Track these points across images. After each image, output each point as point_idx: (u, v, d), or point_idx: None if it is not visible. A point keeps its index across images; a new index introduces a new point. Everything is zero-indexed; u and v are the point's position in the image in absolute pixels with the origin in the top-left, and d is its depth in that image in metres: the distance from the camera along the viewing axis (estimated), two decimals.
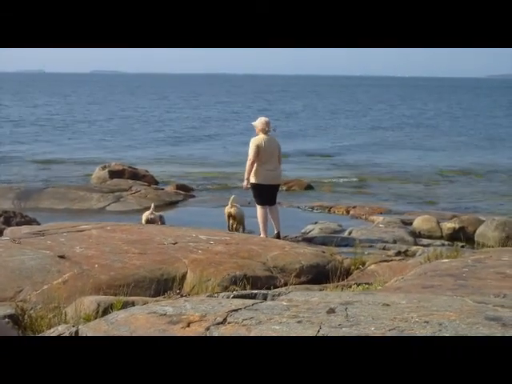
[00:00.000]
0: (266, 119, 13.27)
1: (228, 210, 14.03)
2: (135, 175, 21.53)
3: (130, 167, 22.13)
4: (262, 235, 12.85)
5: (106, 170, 21.49)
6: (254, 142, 12.93)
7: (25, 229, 11.00)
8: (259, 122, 13.15)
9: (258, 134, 13.11)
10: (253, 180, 13.03)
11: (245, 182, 13.29)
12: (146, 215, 13.91)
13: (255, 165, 12.89)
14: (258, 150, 12.83)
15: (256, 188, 13.12)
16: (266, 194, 13.09)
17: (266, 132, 13.04)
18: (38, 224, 13.50)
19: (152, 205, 14.30)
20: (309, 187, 21.67)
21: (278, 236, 12.92)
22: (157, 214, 14.20)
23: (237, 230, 13.86)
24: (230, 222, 14.09)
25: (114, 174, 21.23)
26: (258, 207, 13.17)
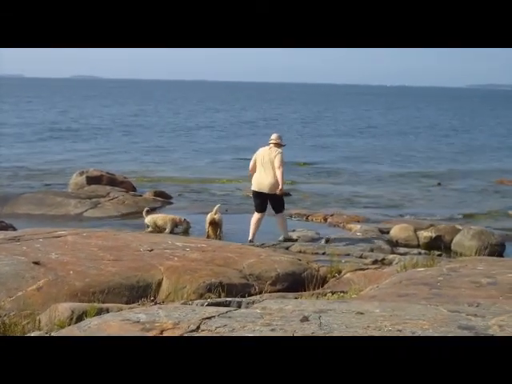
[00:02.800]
0: (274, 135, 14.35)
1: (212, 216, 14.64)
2: (113, 181, 21.44)
3: (108, 173, 22.03)
4: (249, 237, 13.88)
5: (84, 175, 21.38)
6: (255, 154, 14.16)
7: None
8: (273, 137, 14.22)
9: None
10: (251, 187, 14.24)
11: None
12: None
13: (254, 174, 14.03)
14: (255, 160, 13.99)
15: (252, 194, 14.34)
16: (256, 200, 14.18)
17: (269, 144, 14.11)
18: (15, 229, 13.41)
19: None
20: (286, 194, 21.64)
21: (285, 240, 13.87)
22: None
23: (218, 236, 14.14)
24: (211, 228, 14.38)
25: (92, 180, 21.13)
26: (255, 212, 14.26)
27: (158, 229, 15.02)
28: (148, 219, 15.16)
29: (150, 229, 15.01)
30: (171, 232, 14.87)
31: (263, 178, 13.83)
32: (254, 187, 14.02)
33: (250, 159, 14.32)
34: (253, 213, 14.23)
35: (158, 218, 15.27)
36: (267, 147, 13.99)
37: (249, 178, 14.52)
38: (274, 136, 14.18)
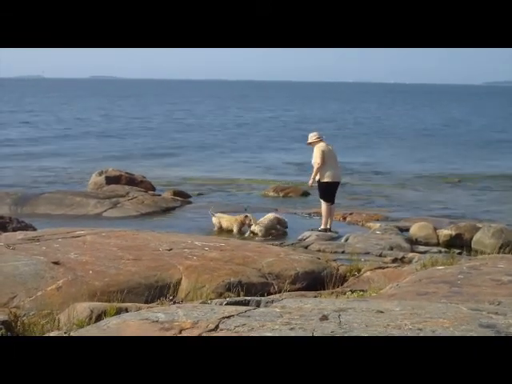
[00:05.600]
0: (316, 132, 15.59)
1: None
2: (132, 181, 21.48)
3: (126, 173, 22.06)
4: (321, 227, 15.20)
5: (103, 175, 21.43)
6: (319, 148, 15.12)
7: (19, 234, 10.93)
8: (313, 134, 15.40)
9: (317, 143, 15.24)
10: (325, 179, 15.16)
11: (310, 181, 15.59)
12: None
13: (324, 167, 15.04)
14: (324, 154, 14.98)
15: (327, 186, 15.27)
16: (331, 190, 15.35)
17: (322, 140, 15.31)
18: (35, 230, 13.45)
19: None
20: (305, 193, 21.59)
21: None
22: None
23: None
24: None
25: (111, 180, 21.17)
26: (324, 203, 15.35)
27: (223, 229, 15.65)
28: (214, 220, 15.74)
29: (215, 229, 15.66)
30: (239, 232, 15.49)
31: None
32: (333, 179, 15.16)
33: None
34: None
35: (224, 219, 15.76)
36: (325, 143, 15.22)
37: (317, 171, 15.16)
38: (316, 133, 15.35)
